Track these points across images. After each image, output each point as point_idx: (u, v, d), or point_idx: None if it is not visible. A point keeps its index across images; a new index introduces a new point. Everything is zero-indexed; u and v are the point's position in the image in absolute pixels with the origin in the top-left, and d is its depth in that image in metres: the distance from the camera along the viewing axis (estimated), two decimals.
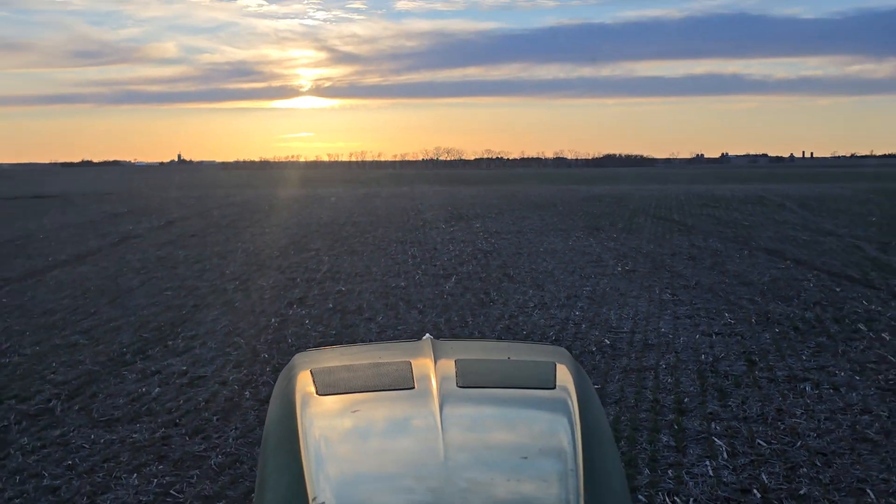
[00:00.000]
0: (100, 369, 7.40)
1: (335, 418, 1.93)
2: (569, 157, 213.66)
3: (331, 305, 10.38)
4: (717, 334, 8.49)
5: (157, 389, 6.75)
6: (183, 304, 10.55)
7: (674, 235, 18.02)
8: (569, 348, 8.04)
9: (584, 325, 9.04)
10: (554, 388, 2.07)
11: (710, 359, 7.51)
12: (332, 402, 2.00)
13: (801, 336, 8.33)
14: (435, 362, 2.21)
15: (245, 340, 8.44)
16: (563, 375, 2.17)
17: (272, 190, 47.50)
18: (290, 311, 9.95)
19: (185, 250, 16.26)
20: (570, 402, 1.93)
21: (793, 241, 16.55)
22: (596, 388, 6.66)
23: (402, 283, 11.97)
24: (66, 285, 12.15)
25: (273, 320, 9.41)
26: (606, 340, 8.29)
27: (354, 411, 1.93)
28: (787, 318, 9.14)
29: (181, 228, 21.24)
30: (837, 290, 10.83)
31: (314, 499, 1.46)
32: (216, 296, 11.12)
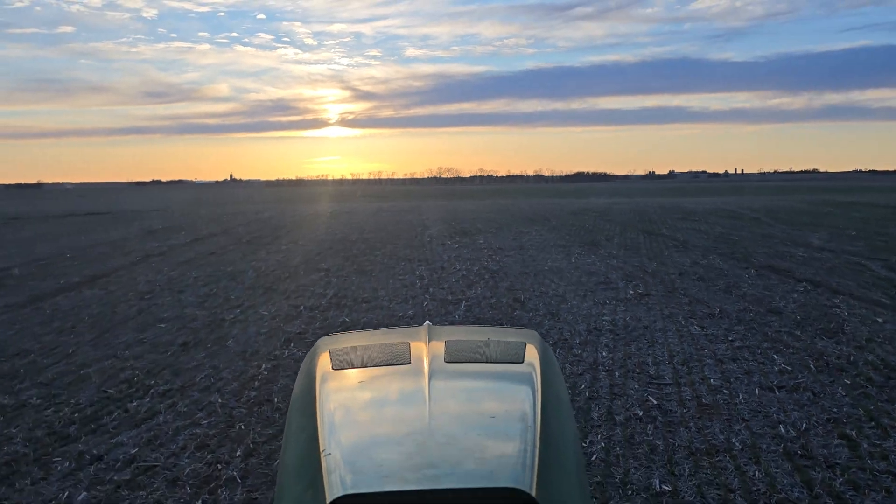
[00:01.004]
0: (29, 453, 4.82)
1: (345, 389, 1.93)
2: (546, 174, 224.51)
3: None
4: (780, 388, 5.90)
5: (83, 495, 4.19)
6: (172, 340, 7.99)
7: (671, 252, 15.35)
8: (609, 410, 5.49)
9: (617, 373, 6.46)
10: (522, 362, 2.09)
11: (793, 433, 4.94)
12: (343, 375, 2.02)
13: (884, 393, 5.74)
14: (428, 343, 2.21)
15: (223, 400, 5.87)
16: (531, 353, 2.16)
17: (300, 206, 44.76)
18: (286, 353, 7.36)
19: (199, 270, 13.64)
20: (534, 374, 1.95)
21: (791, 257, 13.92)
22: (666, 490, 4.12)
23: (410, 312, 9.38)
24: (61, 314, 9.59)
25: (263, 367, 6.83)
26: (651, 399, 5.71)
27: (360, 382, 1.98)
28: (849, 363, 6.55)
29: (204, 246, 18.55)
30: (880, 321, 8.24)
31: (324, 450, 1.52)
32: (210, 329, 8.53)
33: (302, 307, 9.81)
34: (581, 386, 6.06)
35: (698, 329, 8.07)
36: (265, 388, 6.17)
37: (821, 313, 8.65)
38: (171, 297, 10.73)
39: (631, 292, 10.44)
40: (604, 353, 7.12)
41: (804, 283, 10.78)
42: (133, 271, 13.80)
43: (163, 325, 8.78)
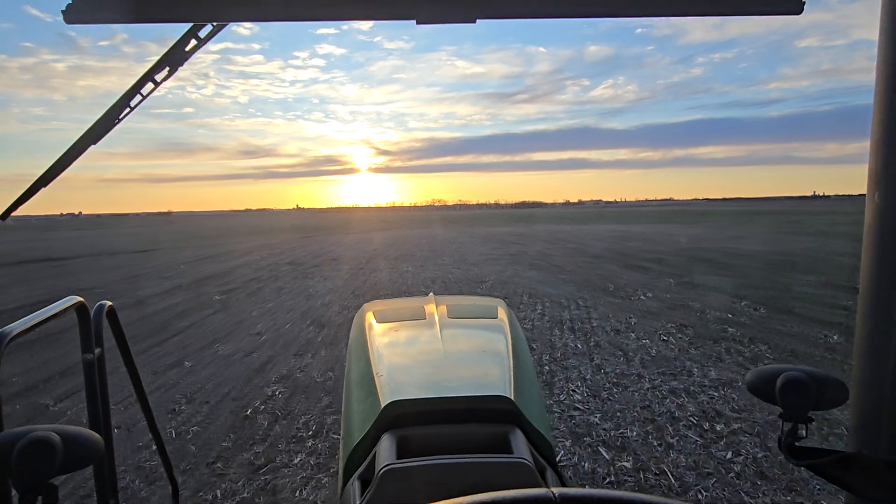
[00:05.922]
0: None
1: (386, 334, 2.54)
2: (501, 202, 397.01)
3: None
4: None
5: None
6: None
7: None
8: None
9: None
10: (496, 317, 2.76)
11: None
12: (384, 325, 2.67)
13: None
14: (437, 306, 2.90)
15: None
16: (501, 312, 2.85)
17: (324, 234, 38.29)
18: None
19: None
20: (504, 326, 2.60)
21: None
22: None
23: None
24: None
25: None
26: None
27: (395, 330, 2.60)
28: None
29: (129, 318, 9.77)
30: None
31: (377, 373, 2.04)
32: None
33: None
34: None
35: None
36: None
37: None
38: None
39: None
40: None
41: None
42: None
43: None
